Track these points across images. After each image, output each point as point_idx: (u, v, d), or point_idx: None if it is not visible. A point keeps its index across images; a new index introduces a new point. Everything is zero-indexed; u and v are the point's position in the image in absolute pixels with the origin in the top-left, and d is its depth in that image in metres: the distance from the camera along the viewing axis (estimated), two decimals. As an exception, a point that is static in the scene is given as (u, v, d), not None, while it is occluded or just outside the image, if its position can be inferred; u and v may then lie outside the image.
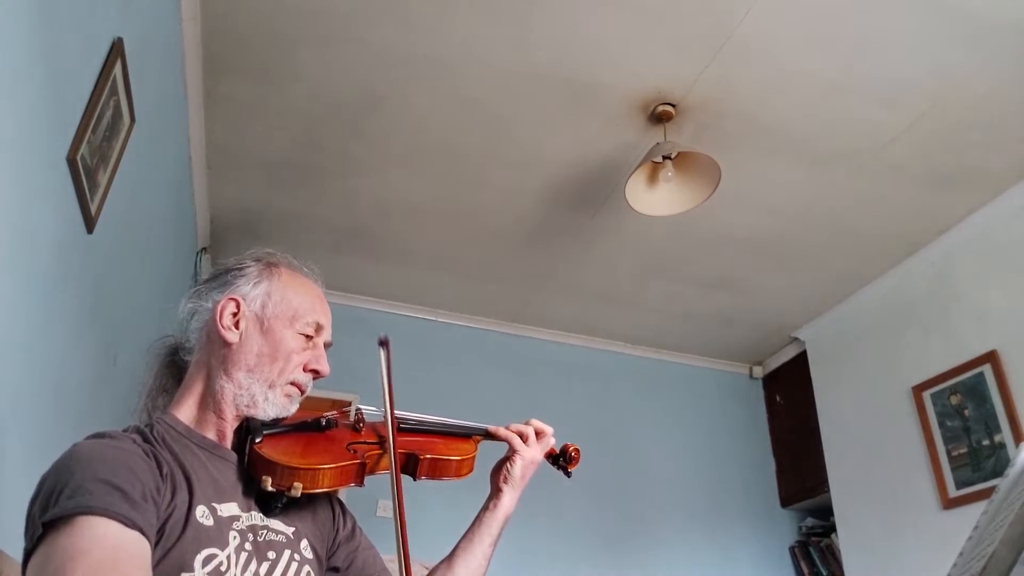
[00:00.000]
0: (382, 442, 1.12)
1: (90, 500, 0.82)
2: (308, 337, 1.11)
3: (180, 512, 0.91)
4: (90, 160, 1.67)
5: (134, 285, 2.39)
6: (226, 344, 1.07)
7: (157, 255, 2.71)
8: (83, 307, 1.84)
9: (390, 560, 1.22)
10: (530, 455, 1.25)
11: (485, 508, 1.23)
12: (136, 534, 0.83)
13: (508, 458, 1.25)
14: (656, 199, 2.82)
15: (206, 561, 0.90)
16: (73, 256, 1.70)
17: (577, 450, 1.32)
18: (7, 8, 1.21)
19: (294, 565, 1.00)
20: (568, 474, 1.33)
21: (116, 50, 1.73)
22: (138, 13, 1.92)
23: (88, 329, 1.91)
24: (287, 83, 2.65)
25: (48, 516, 0.81)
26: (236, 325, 1.08)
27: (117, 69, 1.75)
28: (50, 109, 1.45)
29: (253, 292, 1.10)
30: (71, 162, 1.56)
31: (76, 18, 1.52)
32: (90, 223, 1.75)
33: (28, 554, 0.84)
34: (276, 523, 1.03)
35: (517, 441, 1.25)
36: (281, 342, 1.08)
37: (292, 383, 1.08)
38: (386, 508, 3.42)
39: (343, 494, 3.35)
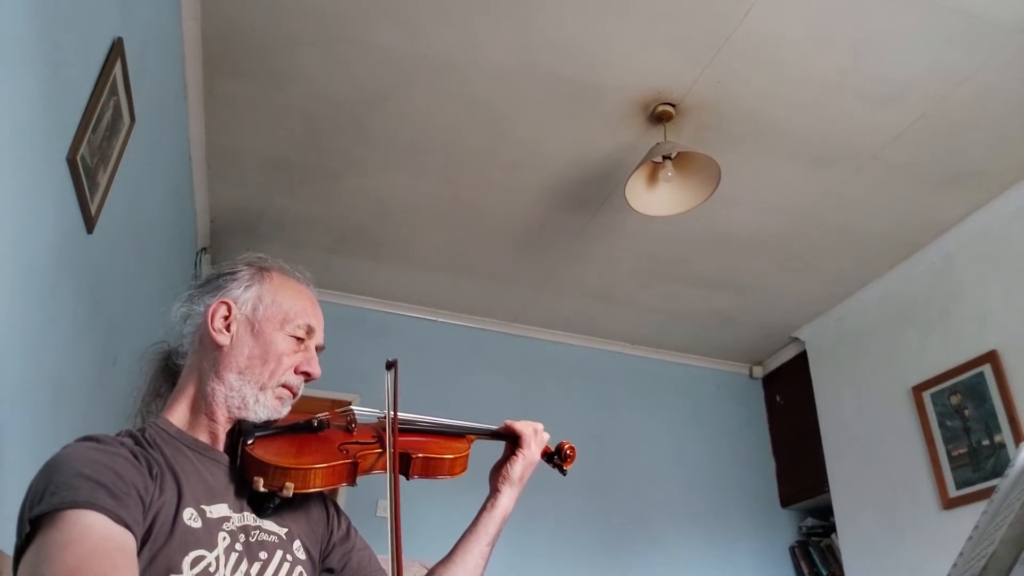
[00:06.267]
0: (375, 442, 1.13)
1: (75, 495, 0.83)
2: (299, 340, 1.12)
3: (168, 514, 0.92)
4: (90, 160, 1.67)
5: (134, 285, 2.38)
6: (217, 347, 1.08)
7: (157, 255, 2.71)
8: (83, 307, 1.84)
9: (386, 559, 1.22)
10: (531, 455, 1.26)
11: (483, 508, 1.23)
12: (122, 528, 0.84)
13: (508, 458, 1.26)
14: (656, 199, 2.82)
15: (194, 563, 0.90)
16: (73, 256, 1.70)
17: (572, 448, 1.32)
18: (7, 8, 1.21)
19: (286, 565, 1.00)
20: (564, 472, 1.33)
21: (116, 50, 1.72)
22: (138, 13, 1.92)
23: (88, 329, 1.91)
24: (287, 83, 2.65)
25: (35, 512, 0.82)
26: (227, 328, 1.09)
27: (117, 69, 1.74)
28: (50, 109, 1.45)
29: (244, 295, 1.11)
30: (71, 162, 1.56)
31: (76, 18, 1.52)
32: (90, 223, 1.75)
33: (19, 553, 0.85)
34: (269, 524, 1.03)
35: (527, 436, 1.26)
36: (272, 344, 1.09)
37: (283, 385, 1.09)
38: (385, 508, 3.41)
39: (343, 495, 3.35)
